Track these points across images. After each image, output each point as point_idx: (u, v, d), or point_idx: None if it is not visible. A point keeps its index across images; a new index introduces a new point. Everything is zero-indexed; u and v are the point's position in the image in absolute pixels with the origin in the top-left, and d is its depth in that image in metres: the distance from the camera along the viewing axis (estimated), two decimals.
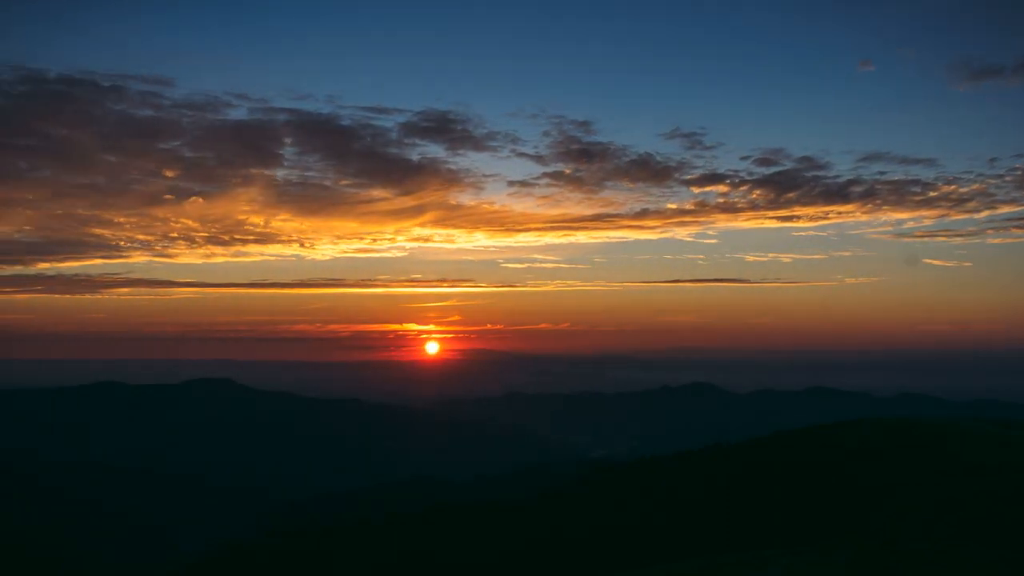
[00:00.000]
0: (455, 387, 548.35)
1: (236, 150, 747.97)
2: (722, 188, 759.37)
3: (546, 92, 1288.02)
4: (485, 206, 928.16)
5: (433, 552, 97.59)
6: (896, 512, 69.36)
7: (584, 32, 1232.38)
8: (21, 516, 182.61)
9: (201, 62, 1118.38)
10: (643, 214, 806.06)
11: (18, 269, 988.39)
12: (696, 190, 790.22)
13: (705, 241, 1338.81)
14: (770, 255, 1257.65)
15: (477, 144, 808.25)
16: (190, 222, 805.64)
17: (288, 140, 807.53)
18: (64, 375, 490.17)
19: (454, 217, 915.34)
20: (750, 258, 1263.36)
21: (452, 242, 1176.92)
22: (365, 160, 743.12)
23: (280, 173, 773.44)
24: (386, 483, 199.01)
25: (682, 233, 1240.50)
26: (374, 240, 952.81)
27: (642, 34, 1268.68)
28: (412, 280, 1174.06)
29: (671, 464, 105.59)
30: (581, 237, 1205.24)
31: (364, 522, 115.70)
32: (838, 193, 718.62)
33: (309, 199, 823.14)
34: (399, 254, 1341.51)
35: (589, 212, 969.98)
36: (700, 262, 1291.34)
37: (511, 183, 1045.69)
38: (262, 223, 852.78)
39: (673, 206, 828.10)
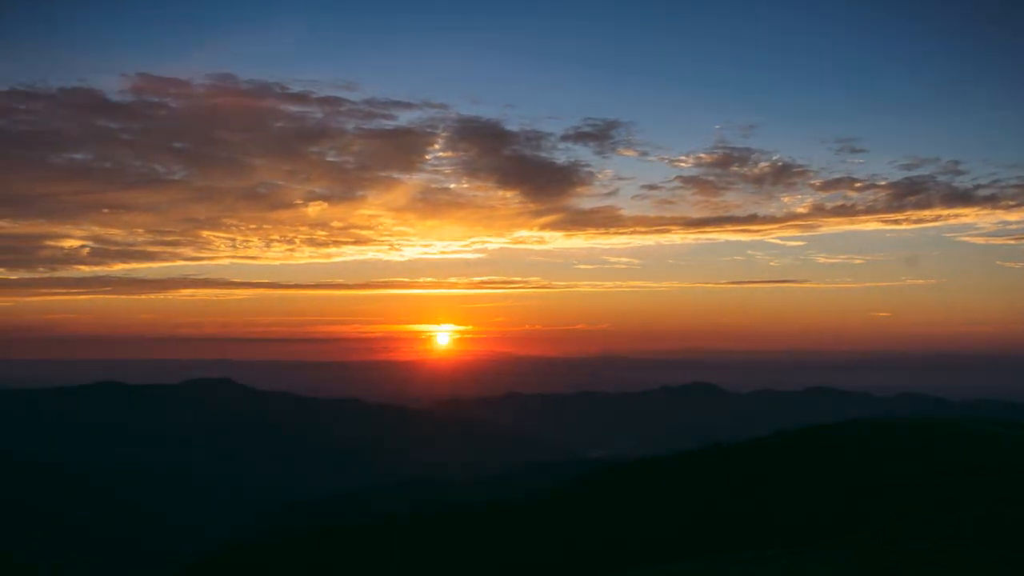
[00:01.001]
0: (455, 387, 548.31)
1: (382, 155, 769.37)
2: (850, 192, 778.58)
3: (708, 100, 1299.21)
4: (603, 209, 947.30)
5: (433, 552, 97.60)
6: (896, 512, 69.32)
7: (741, 39, 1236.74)
8: (21, 516, 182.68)
9: (381, 66, 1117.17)
10: (751, 218, 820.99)
11: (117, 270, 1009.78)
12: (823, 194, 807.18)
13: (790, 244, 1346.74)
14: (841, 257, 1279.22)
15: (626, 148, 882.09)
16: (304, 226, 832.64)
17: (438, 145, 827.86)
18: (64, 375, 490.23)
19: (573, 220, 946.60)
20: (821, 259, 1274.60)
21: (544, 243, 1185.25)
22: (507, 163, 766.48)
23: (417, 177, 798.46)
24: (386, 483, 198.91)
25: (777, 236, 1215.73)
26: (471, 242, 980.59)
27: (797, 45, 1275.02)
28: (474, 282, 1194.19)
29: (671, 464, 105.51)
30: (674, 239, 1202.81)
31: (364, 523, 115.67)
32: (960, 197, 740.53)
33: (431, 202, 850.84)
34: (475, 255, 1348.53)
35: (697, 215, 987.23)
36: (772, 264, 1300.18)
37: (642, 186, 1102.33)
38: (371, 224, 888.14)
39: (785, 210, 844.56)
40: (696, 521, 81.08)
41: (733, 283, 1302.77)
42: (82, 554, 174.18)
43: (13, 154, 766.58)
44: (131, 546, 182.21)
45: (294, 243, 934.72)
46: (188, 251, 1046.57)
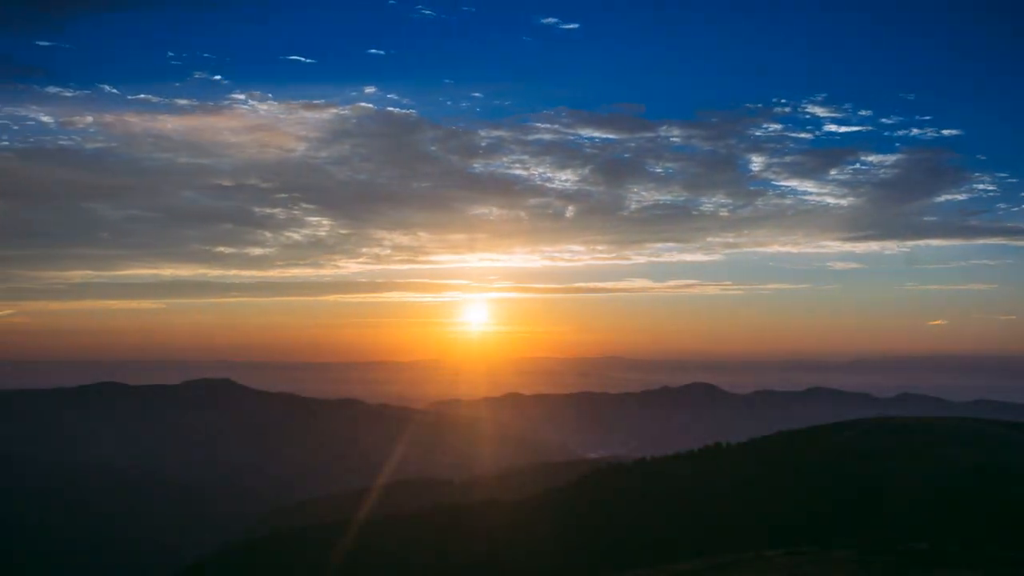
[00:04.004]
0: (455, 388, 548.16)
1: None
2: None
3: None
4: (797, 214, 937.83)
5: (433, 551, 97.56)
6: (896, 512, 69.37)
7: None
8: (22, 518, 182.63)
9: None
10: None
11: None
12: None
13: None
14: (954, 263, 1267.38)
15: None
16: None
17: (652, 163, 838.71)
18: (65, 376, 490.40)
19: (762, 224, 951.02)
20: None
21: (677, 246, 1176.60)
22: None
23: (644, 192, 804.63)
24: (386, 483, 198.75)
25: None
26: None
27: None
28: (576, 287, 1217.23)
29: (671, 464, 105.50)
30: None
31: (364, 522, 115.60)
32: None
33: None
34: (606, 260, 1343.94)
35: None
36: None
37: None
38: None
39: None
40: (696, 521, 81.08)
41: None
42: (83, 553, 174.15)
43: None
44: (132, 546, 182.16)
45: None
46: None
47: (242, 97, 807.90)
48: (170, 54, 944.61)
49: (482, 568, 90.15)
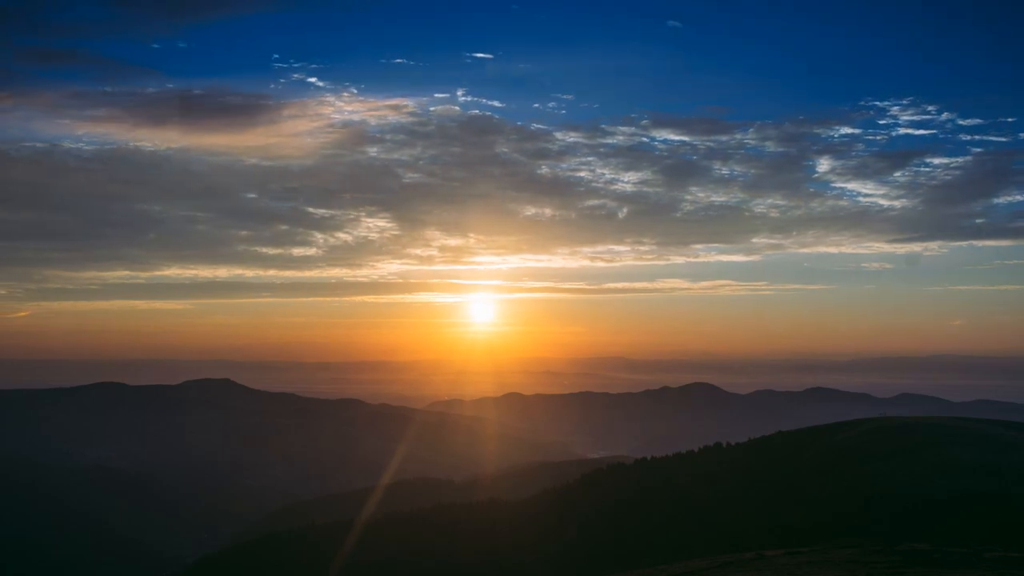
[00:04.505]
0: (457, 388, 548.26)
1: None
2: None
3: None
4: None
5: (433, 551, 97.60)
6: (896, 512, 69.36)
7: None
8: (24, 519, 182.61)
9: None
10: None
11: None
12: None
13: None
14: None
15: None
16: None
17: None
18: (65, 376, 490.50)
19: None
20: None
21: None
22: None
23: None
24: (387, 483, 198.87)
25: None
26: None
27: None
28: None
29: (671, 464, 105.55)
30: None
31: (365, 522, 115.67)
32: None
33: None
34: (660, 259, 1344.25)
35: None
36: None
37: None
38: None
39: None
40: (696, 521, 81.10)
41: None
42: (83, 553, 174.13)
43: None
44: (132, 545, 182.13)
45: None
46: None
47: (331, 99, 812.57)
48: (275, 56, 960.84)
49: (483, 568, 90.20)
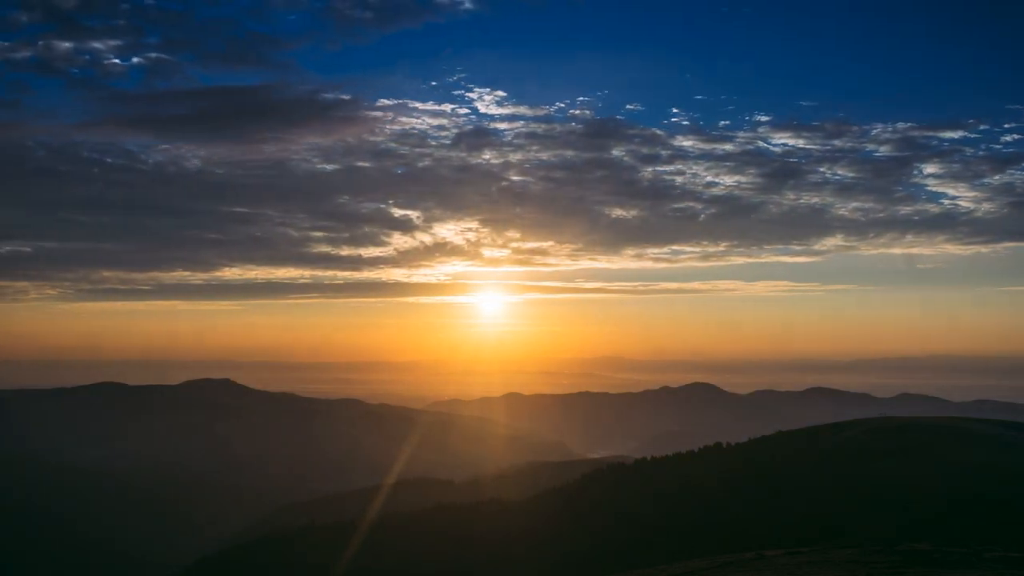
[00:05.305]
0: (456, 388, 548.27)
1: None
2: None
3: None
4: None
5: (433, 550, 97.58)
6: (896, 512, 69.36)
7: None
8: (22, 517, 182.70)
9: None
10: None
11: None
12: None
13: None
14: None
15: None
16: None
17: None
18: (65, 376, 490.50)
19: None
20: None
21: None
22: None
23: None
24: (387, 483, 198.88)
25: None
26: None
27: None
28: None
29: (671, 464, 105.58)
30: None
31: (365, 522, 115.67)
32: None
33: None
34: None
35: None
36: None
37: None
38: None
39: None
40: (696, 521, 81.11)
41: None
42: (83, 553, 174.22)
43: None
44: (132, 545, 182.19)
45: None
46: None
47: (448, 108, 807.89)
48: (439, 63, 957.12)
49: (483, 568, 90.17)
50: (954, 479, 74.48)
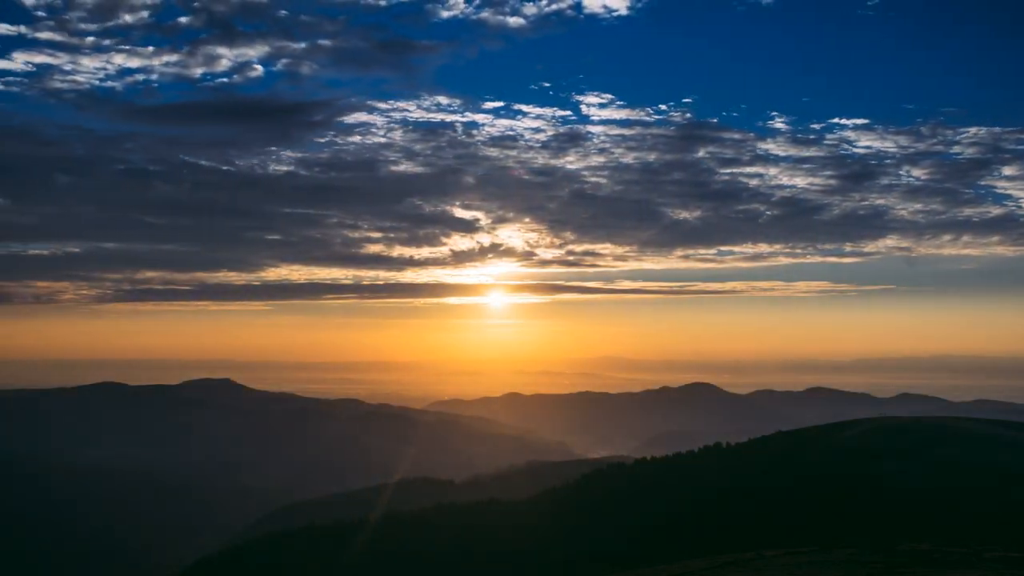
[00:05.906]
0: (456, 388, 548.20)
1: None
2: None
3: None
4: None
5: (433, 550, 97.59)
6: (896, 512, 69.37)
7: None
8: (22, 518, 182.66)
9: None
10: None
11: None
12: None
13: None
14: None
15: None
16: None
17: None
18: (64, 376, 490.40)
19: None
20: None
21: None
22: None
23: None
24: (386, 483, 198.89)
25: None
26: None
27: None
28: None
29: (671, 464, 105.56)
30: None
31: (365, 522, 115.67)
32: None
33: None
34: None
35: None
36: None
37: None
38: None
39: None
40: (696, 521, 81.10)
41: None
42: (82, 552, 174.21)
43: None
44: (132, 545, 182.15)
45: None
46: None
47: (548, 112, 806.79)
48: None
49: (483, 568, 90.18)
50: (954, 479, 74.49)
